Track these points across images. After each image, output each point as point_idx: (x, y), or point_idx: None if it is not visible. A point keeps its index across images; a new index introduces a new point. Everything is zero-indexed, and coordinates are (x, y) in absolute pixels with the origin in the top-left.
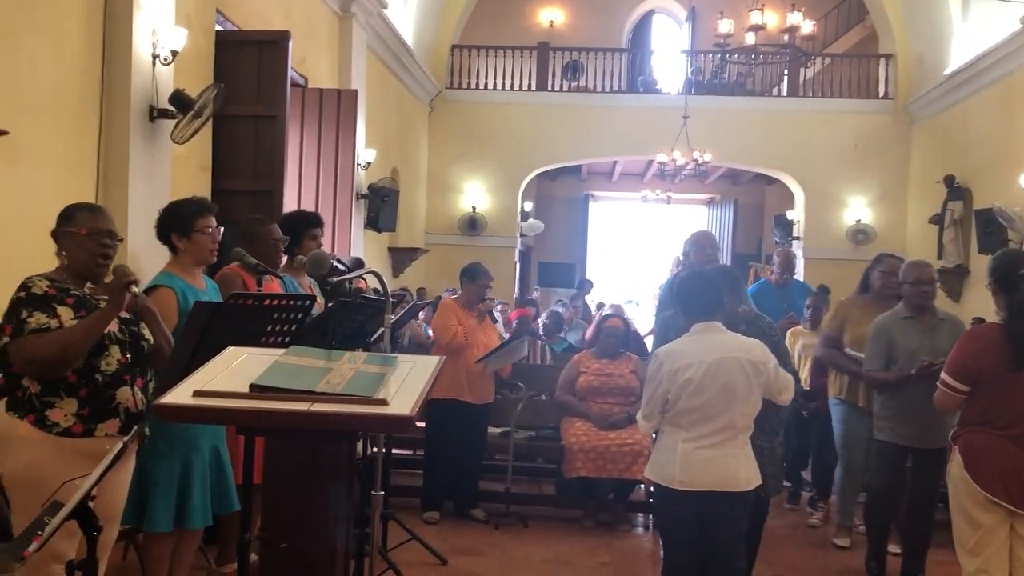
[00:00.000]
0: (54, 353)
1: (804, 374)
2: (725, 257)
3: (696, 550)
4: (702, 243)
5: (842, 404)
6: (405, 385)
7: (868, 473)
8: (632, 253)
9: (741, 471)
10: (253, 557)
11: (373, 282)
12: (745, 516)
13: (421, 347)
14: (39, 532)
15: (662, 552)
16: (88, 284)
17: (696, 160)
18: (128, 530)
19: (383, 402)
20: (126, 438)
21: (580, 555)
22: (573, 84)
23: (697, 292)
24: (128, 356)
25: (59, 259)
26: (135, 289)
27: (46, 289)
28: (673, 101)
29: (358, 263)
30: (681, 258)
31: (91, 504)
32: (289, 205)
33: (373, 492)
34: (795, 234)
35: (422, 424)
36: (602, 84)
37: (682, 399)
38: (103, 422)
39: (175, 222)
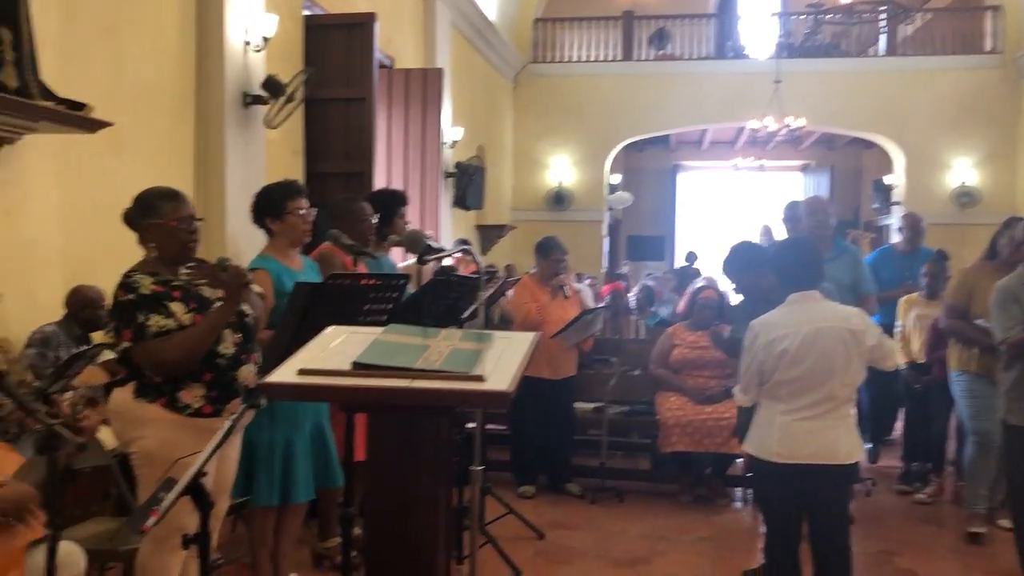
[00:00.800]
0: (181, 356)
1: (916, 345)
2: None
3: (797, 524)
4: (814, 209)
5: (968, 376)
6: (501, 361)
7: (1004, 460)
8: (724, 223)
9: (842, 443)
10: (356, 531)
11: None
12: (848, 490)
13: (510, 325)
14: (155, 507)
15: (763, 527)
16: (182, 268)
17: (789, 126)
18: (236, 504)
19: (480, 378)
20: (234, 415)
21: (677, 530)
22: (660, 52)
23: (795, 260)
24: (240, 336)
25: (147, 249)
26: (256, 288)
27: (152, 287)
28: (763, 66)
29: (461, 244)
30: (767, 228)
31: (203, 480)
32: (379, 186)
33: (472, 467)
34: (895, 199)
35: None
36: (689, 51)
37: (779, 371)
38: (229, 402)
39: (268, 205)
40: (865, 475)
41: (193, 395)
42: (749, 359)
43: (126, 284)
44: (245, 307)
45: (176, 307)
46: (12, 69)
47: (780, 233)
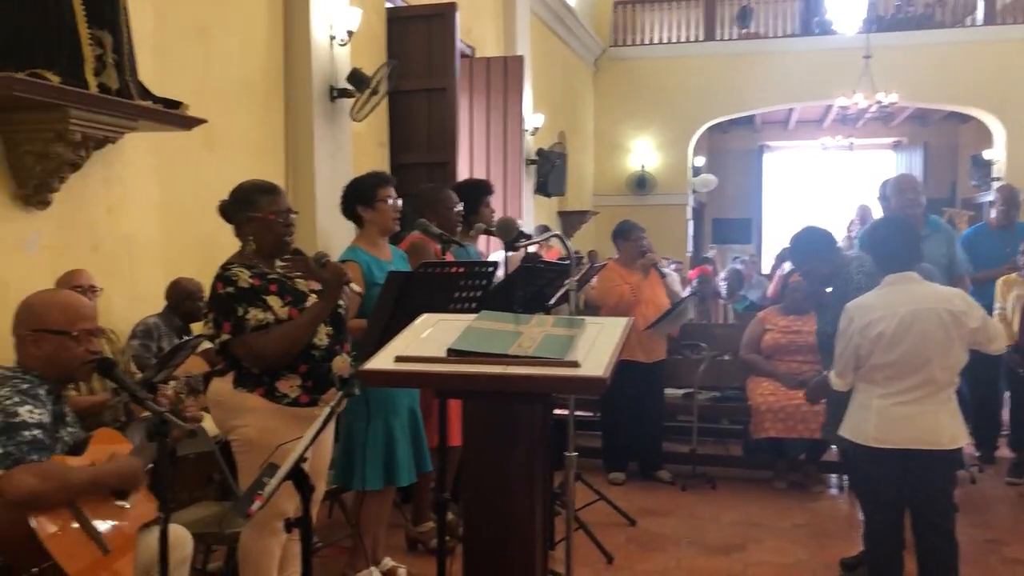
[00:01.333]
0: (279, 351)
1: (1016, 327)
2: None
3: (898, 511)
4: (903, 187)
5: None
6: (595, 347)
7: None
8: (812, 204)
9: (944, 428)
10: (449, 516)
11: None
12: (952, 476)
13: (598, 311)
14: (259, 492)
15: (861, 514)
16: (278, 261)
17: (880, 102)
18: (334, 490)
19: (575, 364)
20: (332, 403)
21: (772, 517)
22: (743, 31)
23: (890, 240)
24: (332, 327)
25: (244, 242)
26: (356, 288)
27: (250, 280)
28: (852, 41)
29: (543, 231)
30: (864, 208)
31: (303, 465)
32: (462, 175)
33: (566, 453)
34: (995, 175)
35: None
36: (774, 29)
37: (875, 354)
38: (324, 392)
39: (359, 194)
40: (969, 462)
41: (290, 385)
42: (844, 343)
43: (225, 277)
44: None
45: (273, 301)
46: (113, 71)
47: (878, 213)
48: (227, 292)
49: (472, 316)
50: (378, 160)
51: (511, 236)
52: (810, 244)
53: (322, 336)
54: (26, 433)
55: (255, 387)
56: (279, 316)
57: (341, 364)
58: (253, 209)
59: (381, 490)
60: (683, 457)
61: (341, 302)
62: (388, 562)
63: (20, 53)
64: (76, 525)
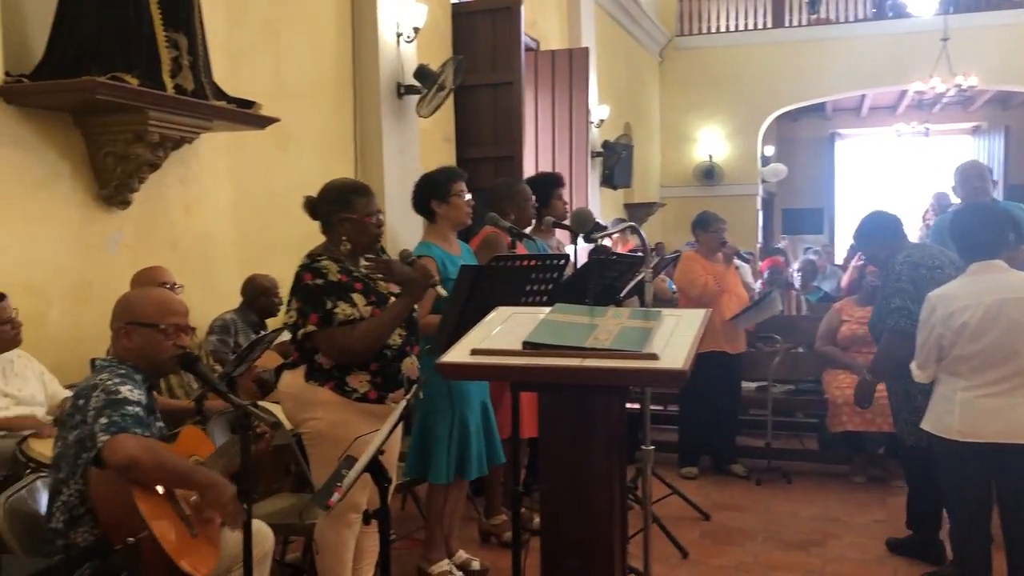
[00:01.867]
0: (363, 346)
1: None
2: (997, 190)
3: (986, 508)
4: (968, 174)
5: None
6: (673, 339)
7: None
8: (886, 193)
9: None
10: (523, 509)
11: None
12: None
13: (666, 302)
14: (338, 484)
15: (946, 510)
16: (362, 260)
17: (959, 85)
18: (407, 482)
19: (653, 356)
20: (407, 396)
21: (850, 512)
22: (813, 17)
23: (975, 228)
24: (405, 328)
25: (335, 241)
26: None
27: (339, 276)
28: (928, 24)
29: (618, 223)
30: (942, 195)
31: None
32: (528, 169)
33: (643, 447)
34: None
35: None
36: (845, 14)
37: (958, 345)
38: (392, 391)
39: (433, 189)
40: None
41: (360, 380)
42: (926, 333)
43: (314, 268)
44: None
45: (358, 298)
46: (189, 73)
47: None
48: (316, 284)
49: (546, 309)
50: (444, 155)
51: (587, 228)
52: (872, 228)
53: (395, 336)
54: (129, 408)
55: (326, 381)
56: (362, 314)
57: (410, 365)
58: (348, 210)
59: (454, 482)
60: (758, 451)
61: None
62: (462, 554)
63: (101, 57)
64: (169, 505)
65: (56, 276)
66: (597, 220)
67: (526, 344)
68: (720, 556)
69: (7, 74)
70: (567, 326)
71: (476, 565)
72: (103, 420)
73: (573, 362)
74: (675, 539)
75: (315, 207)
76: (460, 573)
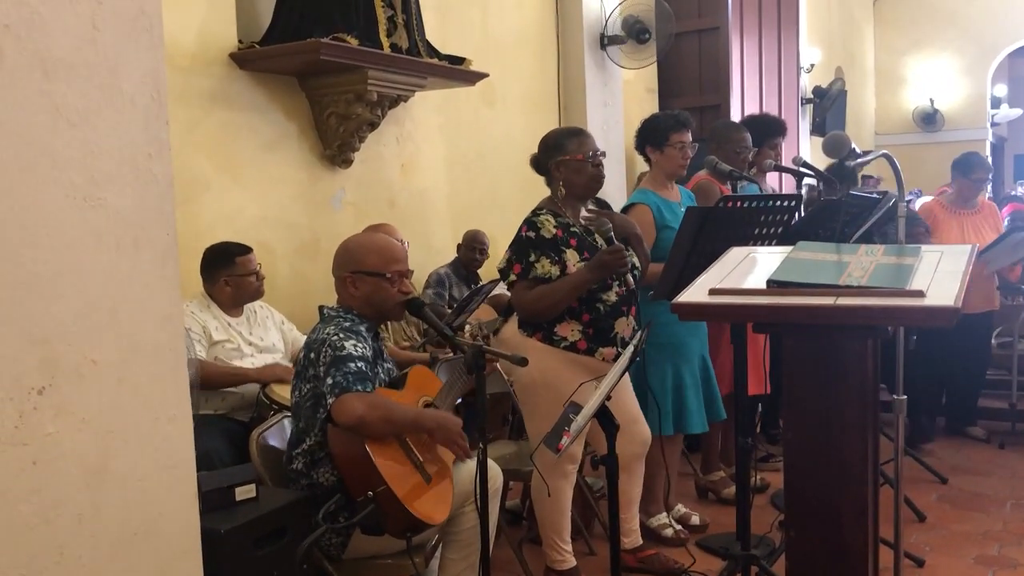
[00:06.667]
0: (539, 308)
1: None
2: None
3: None
4: None
5: None
6: (939, 275)
7: None
8: None
9: None
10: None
11: None
12: None
13: None
14: (566, 428)
15: None
16: (583, 211)
17: None
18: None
19: (919, 293)
20: (635, 341)
21: None
22: None
23: None
24: (624, 288)
25: (554, 190)
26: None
27: (554, 231)
28: None
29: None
30: None
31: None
32: (735, 118)
33: (895, 396)
34: None
35: None
36: None
37: None
38: (604, 347)
39: (651, 134)
40: None
41: (570, 329)
42: None
43: (531, 222)
44: (635, 259)
45: (571, 254)
46: (403, 32)
47: None
48: (527, 236)
49: (786, 248)
50: (647, 106)
51: (842, 154)
52: None
53: (612, 294)
54: (352, 365)
55: (534, 332)
56: (570, 271)
57: (624, 326)
58: (562, 153)
59: (672, 436)
60: (1000, 413)
61: (637, 264)
62: (680, 508)
63: (322, 20)
64: (403, 452)
65: (287, 233)
66: (853, 146)
67: (771, 283)
68: (963, 521)
69: (240, 42)
70: (815, 263)
71: (696, 520)
72: (329, 381)
73: (825, 300)
74: (911, 502)
75: (537, 161)
76: (679, 526)
